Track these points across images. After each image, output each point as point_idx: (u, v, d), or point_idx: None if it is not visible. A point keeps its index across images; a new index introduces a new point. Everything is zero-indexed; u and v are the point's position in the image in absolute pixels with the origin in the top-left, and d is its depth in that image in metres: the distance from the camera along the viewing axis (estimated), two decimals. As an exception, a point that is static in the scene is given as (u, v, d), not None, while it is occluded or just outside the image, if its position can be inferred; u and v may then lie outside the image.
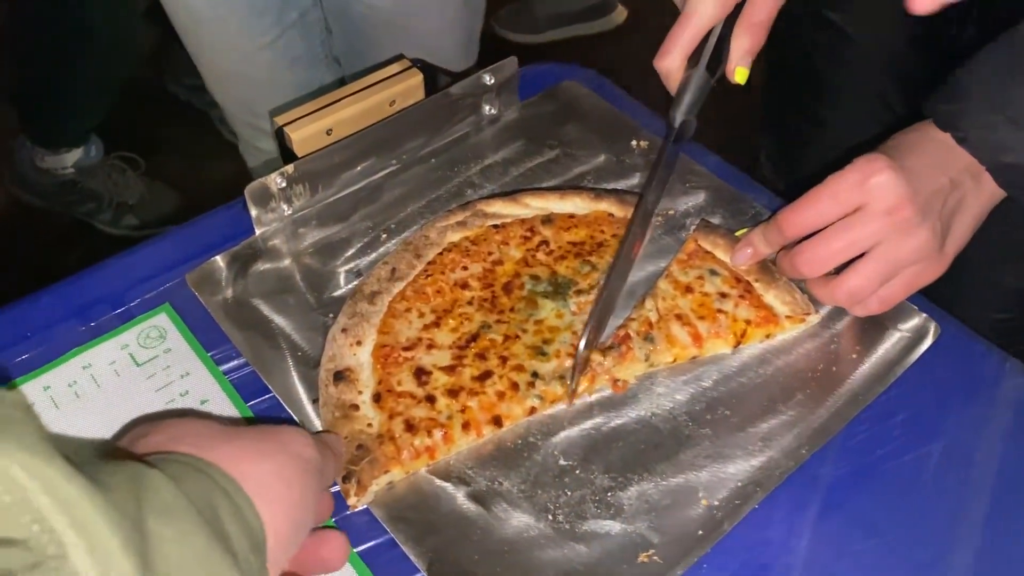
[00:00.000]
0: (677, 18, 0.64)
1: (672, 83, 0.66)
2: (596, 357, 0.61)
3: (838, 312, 0.65)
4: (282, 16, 1.02)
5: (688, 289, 0.65)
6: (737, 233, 0.69)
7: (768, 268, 0.66)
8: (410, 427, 0.56)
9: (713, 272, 0.66)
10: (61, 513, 0.30)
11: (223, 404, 0.62)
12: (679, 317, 0.63)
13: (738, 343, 0.63)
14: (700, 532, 0.54)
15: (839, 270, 0.62)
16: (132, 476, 0.35)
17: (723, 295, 0.65)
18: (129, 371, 0.64)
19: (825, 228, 0.61)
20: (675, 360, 0.62)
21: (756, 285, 0.65)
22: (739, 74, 0.64)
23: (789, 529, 0.56)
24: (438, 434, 0.56)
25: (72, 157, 1.83)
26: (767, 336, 0.64)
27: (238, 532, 0.38)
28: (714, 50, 0.63)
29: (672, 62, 0.64)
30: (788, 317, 0.64)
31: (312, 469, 0.44)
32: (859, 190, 0.58)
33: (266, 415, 0.61)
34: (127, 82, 1.83)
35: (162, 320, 0.67)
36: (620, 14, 2.28)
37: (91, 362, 0.64)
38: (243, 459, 0.42)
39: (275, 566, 0.41)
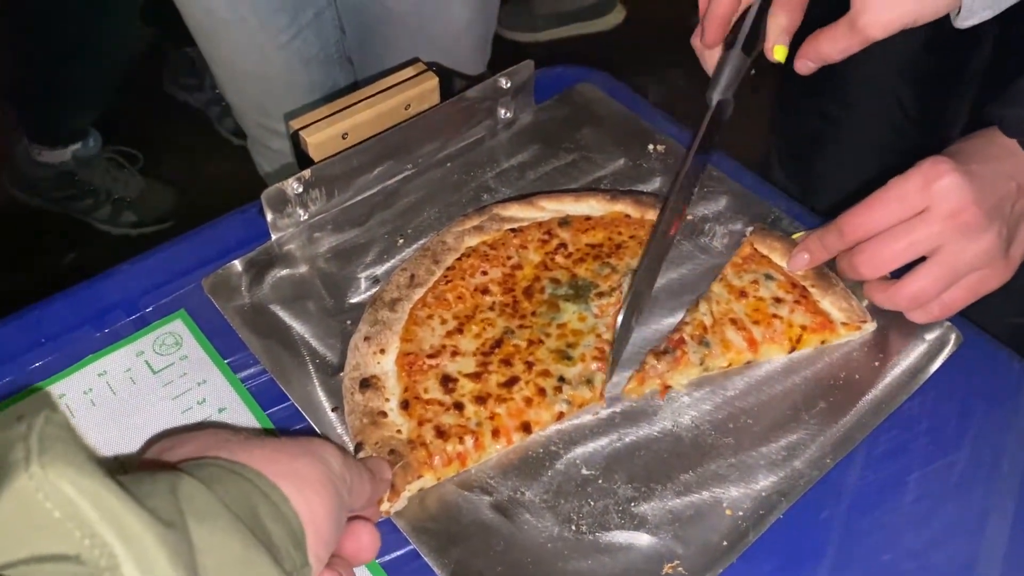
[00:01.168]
0: None
1: (708, 63, 0.66)
2: (651, 360, 0.61)
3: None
4: (298, 15, 1.02)
5: (743, 293, 0.65)
6: (794, 237, 0.68)
7: (825, 274, 0.66)
8: (441, 433, 0.56)
9: (769, 276, 0.66)
10: (110, 527, 0.30)
11: (241, 412, 0.61)
12: (734, 322, 0.63)
13: (793, 348, 0.63)
14: (725, 543, 0.54)
15: (897, 276, 0.62)
16: (170, 486, 0.36)
17: (778, 300, 0.64)
18: (145, 378, 0.63)
19: (886, 230, 0.60)
20: (730, 365, 0.62)
21: (812, 291, 0.65)
22: (778, 51, 0.63)
23: (814, 540, 0.55)
24: (469, 441, 0.56)
25: (70, 149, 1.82)
26: (822, 342, 0.63)
27: (279, 530, 0.39)
28: (751, 29, 0.63)
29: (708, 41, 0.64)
30: (844, 324, 0.63)
31: (336, 479, 0.44)
32: (923, 193, 0.58)
33: (285, 424, 0.61)
34: (124, 81, 1.82)
35: (177, 326, 0.67)
36: (619, 14, 2.27)
37: (106, 369, 0.64)
38: (276, 459, 0.42)
39: (318, 560, 0.41)
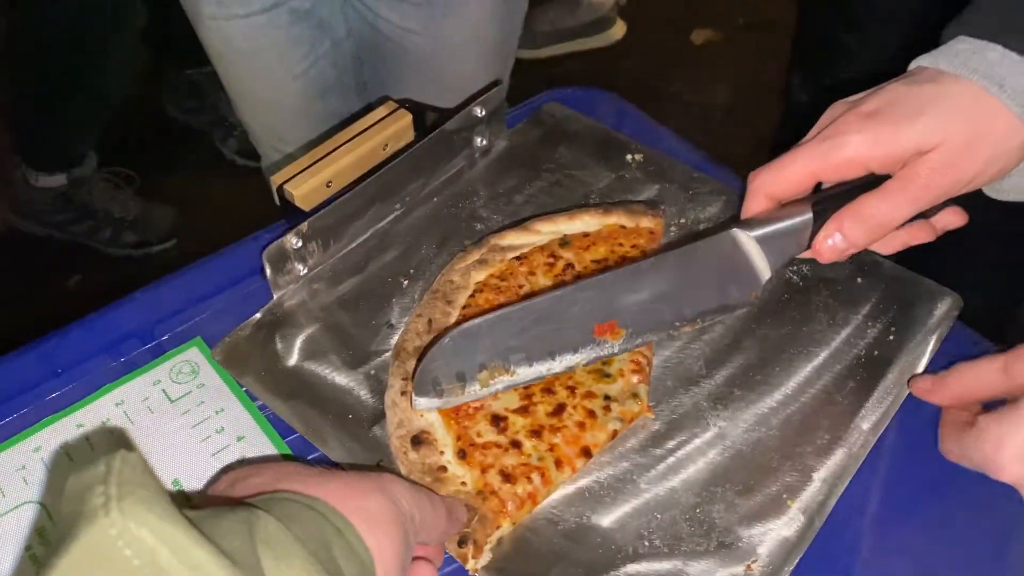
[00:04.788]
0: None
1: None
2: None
3: (872, 302, 0.67)
4: (315, 46, 1.02)
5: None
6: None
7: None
8: (507, 477, 0.55)
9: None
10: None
11: (259, 440, 0.61)
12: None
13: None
14: (794, 533, 0.55)
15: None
16: (247, 526, 0.35)
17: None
18: (162, 407, 0.62)
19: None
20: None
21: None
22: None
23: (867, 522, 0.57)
24: (537, 478, 0.55)
25: (66, 172, 1.83)
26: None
27: (352, 568, 0.38)
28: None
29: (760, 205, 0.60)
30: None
31: (404, 519, 0.44)
32: None
33: (303, 451, 0.61)
34: (124, 104, 1.83)
35: (194, 355, 0.66)
36: (619, 29, 2.28)
37: (124, 398, 0.63)
38: (349, 495, 0.42)
39: None
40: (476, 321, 0.56)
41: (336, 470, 0.46)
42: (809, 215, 0.56)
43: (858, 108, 0.55)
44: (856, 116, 0.54)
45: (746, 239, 0.57)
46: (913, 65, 0.56)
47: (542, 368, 0.57)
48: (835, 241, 0.56)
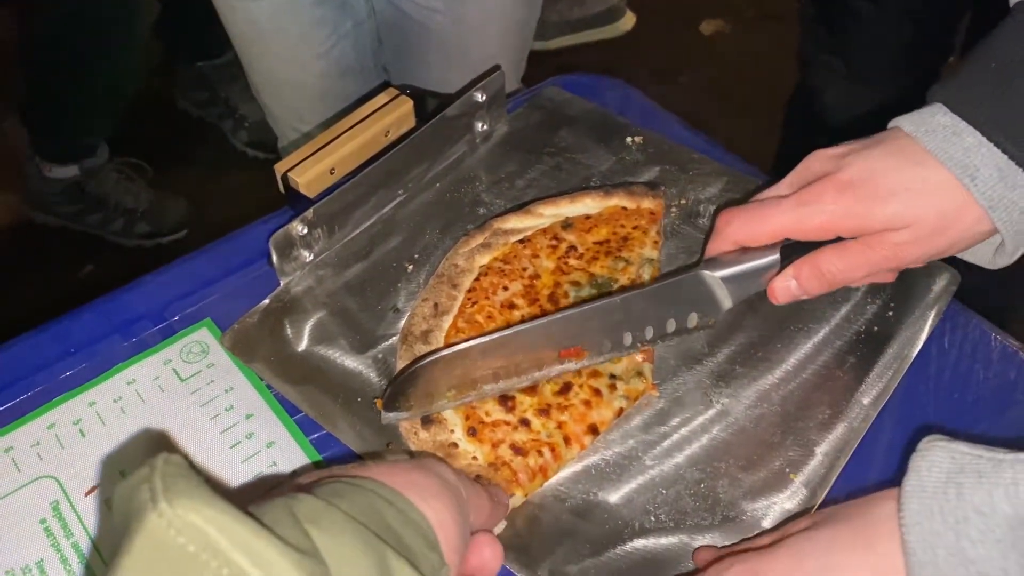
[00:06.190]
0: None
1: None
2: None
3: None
4: (337, 27, 1.03)
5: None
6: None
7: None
8: (518, 450, 0.57)
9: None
10: (246, 555, 0.31)
11: (268, 418, 0.62)
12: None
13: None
14: (797, 506, 0.56)
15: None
16: (287, 511, 0.36)
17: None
18: (173, 386, 0.64)
19: None
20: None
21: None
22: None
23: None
24: (547, 452, 0.57)
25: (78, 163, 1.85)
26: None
27: (411, 532, 0.39)
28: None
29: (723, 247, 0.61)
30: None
31: (452, 489, 0.44)
32: None
33: (311, 428, 0.62)
34: (135, 97, 1.85)
35: (203, 335, 0.68)
36: (628, 20, 2.27)
37: (135, 377, 0.65)
38: (394, 472, 0.43)
39: (452, 566, 0.41)
40: (449, 351, 0.57)
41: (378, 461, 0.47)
42: (776, 256, 0.59)
43: (836, 176, 0.56)
44: (833, 186, 0.56)
45: (712, 279, 0.60)
46: (892, 124, 0.57)
47: (507, 384, 0.59)
48: (790, 286, 0.59)
